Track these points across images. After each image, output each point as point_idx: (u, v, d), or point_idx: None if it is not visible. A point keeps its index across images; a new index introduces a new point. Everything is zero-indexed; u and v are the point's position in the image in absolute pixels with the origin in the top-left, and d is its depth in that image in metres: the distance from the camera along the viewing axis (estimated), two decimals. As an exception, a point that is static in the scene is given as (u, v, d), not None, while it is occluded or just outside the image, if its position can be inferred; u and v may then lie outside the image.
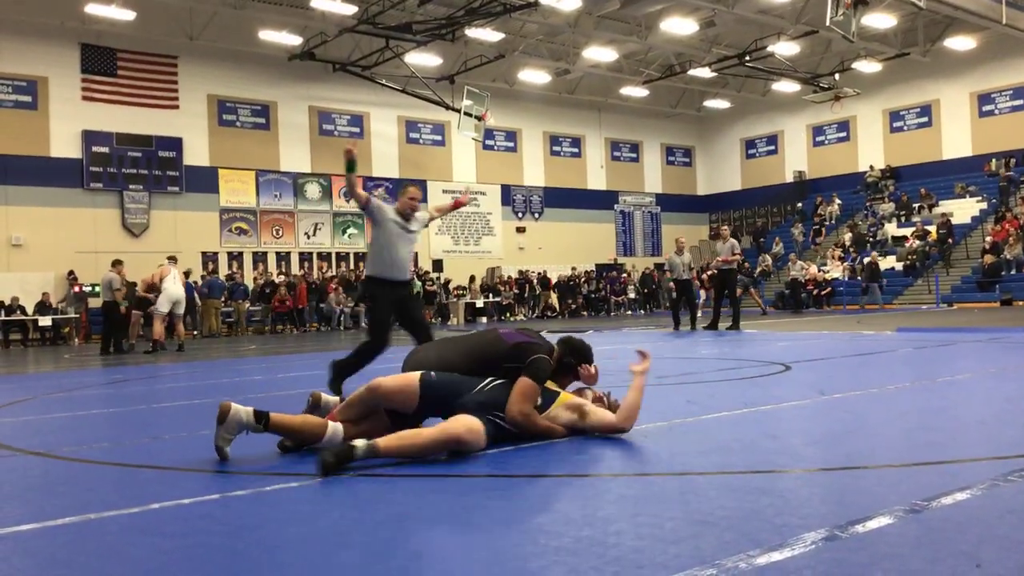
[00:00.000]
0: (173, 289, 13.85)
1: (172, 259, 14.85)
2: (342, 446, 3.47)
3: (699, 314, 16.00)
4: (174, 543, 2.50)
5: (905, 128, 31.08)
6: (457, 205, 7.15)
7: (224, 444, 3.70)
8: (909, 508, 2.50)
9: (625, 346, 11.19)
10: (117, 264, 15.09)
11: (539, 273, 29.08)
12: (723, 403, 5.08)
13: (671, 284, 16.80)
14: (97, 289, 21.43)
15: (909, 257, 26.34)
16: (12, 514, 2.91)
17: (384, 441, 3.49)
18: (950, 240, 26.17)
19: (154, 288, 13.99)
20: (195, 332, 21.13)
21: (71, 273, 21.61)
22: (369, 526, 2.64)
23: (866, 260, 25.21)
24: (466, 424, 3.59)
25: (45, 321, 20.36)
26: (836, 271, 27.33)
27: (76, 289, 21.28)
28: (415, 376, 3.88)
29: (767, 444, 3.75)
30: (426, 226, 6.61)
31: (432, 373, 3.91)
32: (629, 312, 28.91)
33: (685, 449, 3.70)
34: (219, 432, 3.69)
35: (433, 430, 3.59)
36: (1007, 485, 2.79)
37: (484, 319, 26.45)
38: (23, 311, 20.43)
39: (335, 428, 3.81)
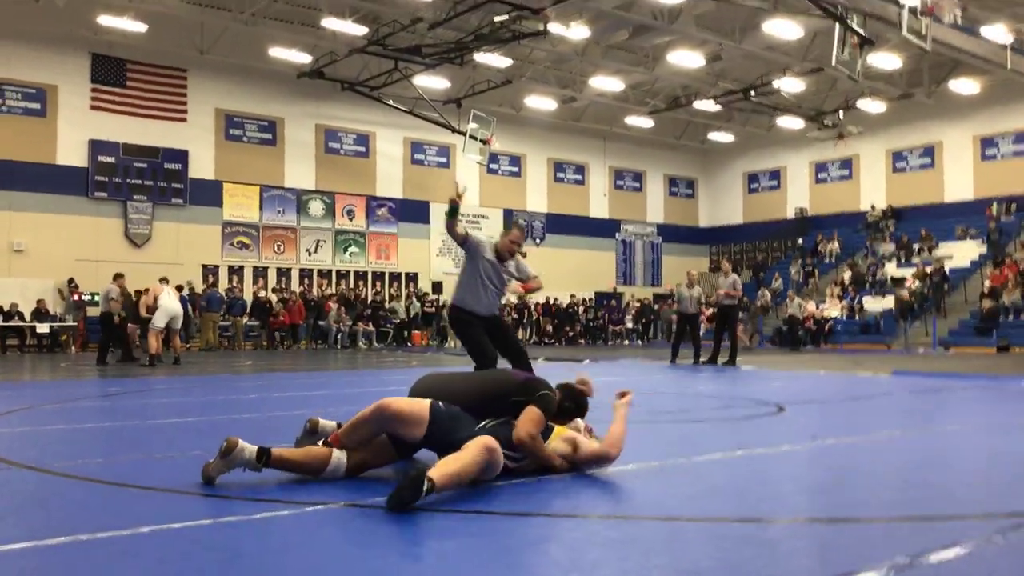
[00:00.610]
0: (169, 304, 13.90)
1: (164, 280, 14.96)
2: (415, 481, 3.25)
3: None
4: (165, 569, 2.52)
5: (908, 169, 31.26)
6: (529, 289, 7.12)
7: (216, 475, 3.71)
8: (893, 565, 2.53)
9: (621, 379, 11.21)
10: (119, 277, 15.22)
11: (550, 300, 29.02)
12: (715, 444, 5.11)
13: (673, 316, 16.91)
14: (96, 298, 21.50)
15: (909, 298, 26.37)
16: (6, 532, 2.93)
17: (436, 473, 3.35)
18: (945, 286, 26.18)
19: (151, 308, 14.09)
20: (187, 346, 21.14)
21: (71, 281, 21.64)
22: (356, 559, 2.66)
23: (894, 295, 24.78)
24: (487, 440, 3.58)
25: (43, 328, 20.37)
26: (834, 310, 27.39)
27: (76, 297, 21.31)
28: (426, 403, 3.85)
29: (757, 490, 3.77)
30: (518, 278, 6.63)
31: (440, 404, 3.90)
32: (626, 342, 28.93)
33: (675, 492, 3.73)
34: (218, 463, 3.69)
35: (468, 449, 3.51)
36: (992, 545, 2.81)
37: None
38: (21, 317, 20.45)
39: (338, 458, 3.82)
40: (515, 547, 2.84)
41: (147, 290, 14.81)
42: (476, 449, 3.54)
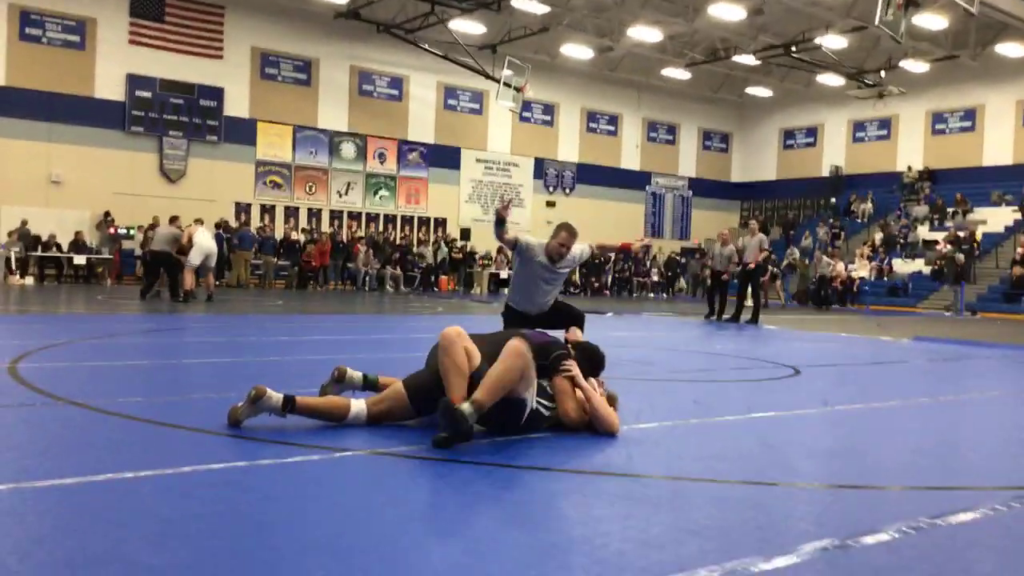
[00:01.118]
0: (205, 242, 14.28)
1: (199, 221, 15.27)
2: (455, 415, 3.59)
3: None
4: (205, 507, 2.75)
5: (947, 131, 30.73)
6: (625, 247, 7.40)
7: (243, 419, 3.94)
8: (894, 530, 2.69)
9: (644, 334, 11.38)
10: (175, 219, 15.31)
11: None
12: (728, 406, 5.26)
13: (708, 272, 17.07)
14: (132, 232, 21.94)
15: (938, 262, 26.15)
16: (57, 466, 3.17)
17: (476, 395, 3.71)
18: (976, 252, 25.87)
19: (185, 248, 14.38)
20: (218, 283, 21.51)
21: (107, 214, 22.05)
22: (380, 505, 2.87)
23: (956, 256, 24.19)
24: (516, 345, 3.84)
25: (80, 260, 20.85)
26: (863, 270, 27.25)
27: (111, 230, 21.73)
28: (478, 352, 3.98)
29: (763, 454, 3.94)
30: (582, 264, 6.82)
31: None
32: (651, 295, 29.00)
33: (683, 453, 3.91)
34: (245, 408, 3.91)
35: (501, 360, 3.80)
36: (1009, 511, 2.96)
37: (506, 290, 26.63)
38: (59, 248, 20.92)
39: (359, 408, 4.06)
40: (527, 500, 3.04)
41: (185, 229, 15.10)
42: (508, 355, 3.80)
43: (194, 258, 14.14)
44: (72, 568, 2.17)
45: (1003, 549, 2.64)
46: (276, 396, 3.92)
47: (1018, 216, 27.21)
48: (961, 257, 23.28)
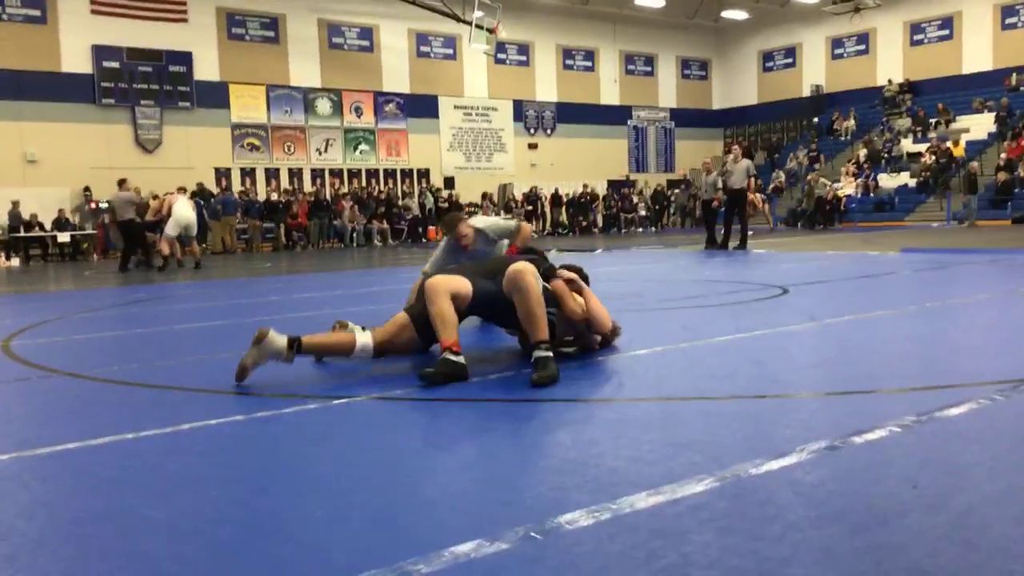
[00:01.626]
0: (183, 212, 14.10)
1: (181, 189, 15.15)
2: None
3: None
4: (206, 461, 2.80)
5: (926, 41, 30.50)
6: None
7: (251, 364, 3.89)
8: (882, 429, 2.76)
9: (635, 267, 11.43)
10: (124, 182, 15.21)
11: (549, 193, 29.06)
12: (716, 329, 5.33)
13: (700, 202, 17.23)
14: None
15: (923, 174, 26.18)
16: (58, 433, 3.21)
17: (540, 335, 3.92)
18: (953, 166, 25.82)
19: (160, 215, 14.29)
20: (204, 247, 21.48)
21: (87, 189, 21.85)
22: (378, 446, 2.93)
23: (965, 170, 23.33)
24: (522, 267, 4.02)
25: (64, 237, 20.73)
26: (849, 188, 27.28)
27: (92, 205, 21.57)
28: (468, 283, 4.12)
29: (750, 370, 4.01)
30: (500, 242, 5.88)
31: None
32: (640, 229, 29.03)
33: (672, 375, 3.97)
34: (252, 352, 3.88)
35: (526, 297, 3.97)
36: (993, 403, 3.03)
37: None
38: (42, 227, 20.78)
39: (364, 339, 4.14)
40: (520, 430, 3.10)
41: (164, 196, 15.00)
42: (528, 286, 3.95)
43: (171, 229, 14.01)
44: (78, 524, 2.23)
45: (985, 439, 2.71)
46: (280, 338, 3.91)
47: (1003, 116, 27.14)
48: (975, 165, 22.77)
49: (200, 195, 21.83)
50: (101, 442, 3.05)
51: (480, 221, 5.78)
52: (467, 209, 26.96)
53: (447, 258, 5.67)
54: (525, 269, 4.02)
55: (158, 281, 12.20)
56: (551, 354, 3.86)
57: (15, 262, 19.50)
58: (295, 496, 2.40)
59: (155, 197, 15.39)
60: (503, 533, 2.03)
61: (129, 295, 10.17)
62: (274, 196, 24.01)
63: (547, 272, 4.41)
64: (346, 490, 2.44)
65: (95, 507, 2.36)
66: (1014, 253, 10.86)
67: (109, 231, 16.71)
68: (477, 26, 24.90)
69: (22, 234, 20.43)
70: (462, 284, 4.07)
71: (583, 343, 4.53)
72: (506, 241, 5.81)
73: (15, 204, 20.45)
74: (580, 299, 4.38)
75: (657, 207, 30.31)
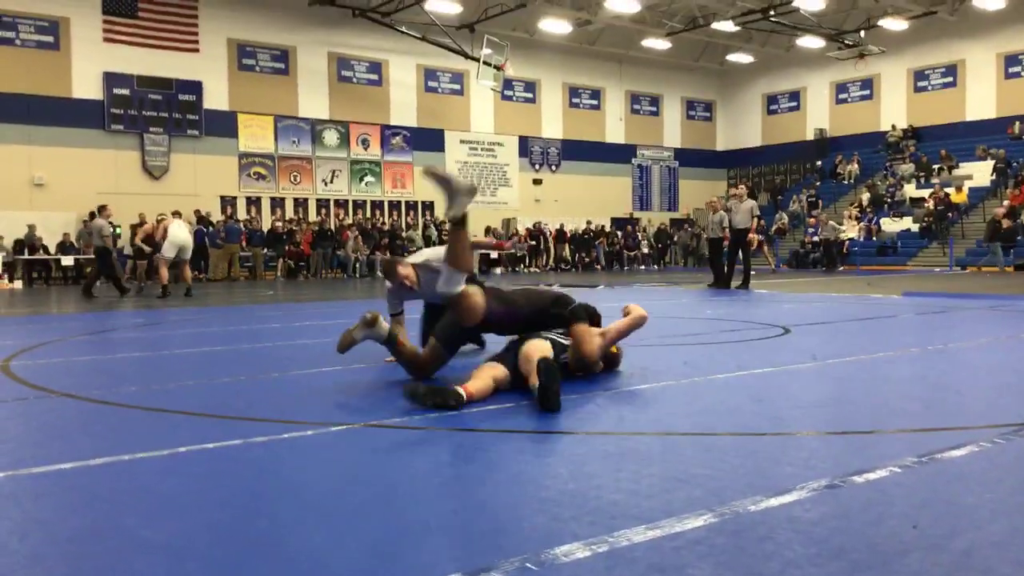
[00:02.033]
0: (179, 235, 14.05)
1: (176, 213, 15.12)
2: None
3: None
4: (201, 484, 2.78)
5: (929, 88, 30.77)
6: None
7: (358, 338, 4.51)
8: (883, 470, 2.74)
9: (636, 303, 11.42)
10: (103, 209, 15.22)
11: (554, 229, 29.18)
12: (717, 366, 5.32)
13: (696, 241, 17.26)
14: (119, 231, 21.84)
15: (925, 219, 26.27)
16: (55, 453, 3.20)
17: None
18: (949, 215, 25.89)
19: (152, 238, 14.26)
20: (200, 274, 21.54)
21: (92, 214, 21.92)
22: (376, 473, 2.91)
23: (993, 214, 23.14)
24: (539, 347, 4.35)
25: (68, 261, 20.78)
26: (851, 231, 27.36)
27: (98, 230, 21.61)
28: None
29: (751, 408, 3.99)
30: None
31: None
32: (643, 267, 29.08)
33: (673, 410, 3.96)
34: (360, 328, 4.46)
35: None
36: (995, 446, 3.02)
37: (499, 270, 26.71)
38: (46, 250, 20.84)
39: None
40: (519, 461, 3.08)
41: (159, 221, 14.96)
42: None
43: (167, 251, 13.96)
44: (73, 543, 2.21)
45: (987, 481, 2.69)
46: (385, 325, 4.52)
47: (1002, 167, 27.29)
48: (1000, 211, 22.69)
49: (199, 222, 21.88)
50: (97, 463, 3.04)
51: (418, 256, 5.70)
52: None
53: (397, 302, 5.62)
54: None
55: (159, 306, 12.20)
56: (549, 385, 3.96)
57: (18, 284, 19.53)
58: (292, 521, 2.38)
59: (148, 222, 15.41)
60: (498, 563, 2.01)
61: (131, 319, 10.18)
62: (278, 224, 24.09)
63: (573, 313, 4.65)
64: (343, 516, 2.42)
65: (90, 526, 2.34)
66: (1016, 299, 10.86)
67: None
68: (485, 63, 25.19)
69: (26, 256, 20.49)
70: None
71: (591, 370, 4.80)
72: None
73: (31, 228, 20.60)
74: (598, 340, 4.66)
75: (660, 245, 30.39)
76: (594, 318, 4.81)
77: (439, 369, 4.74)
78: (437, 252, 5.66)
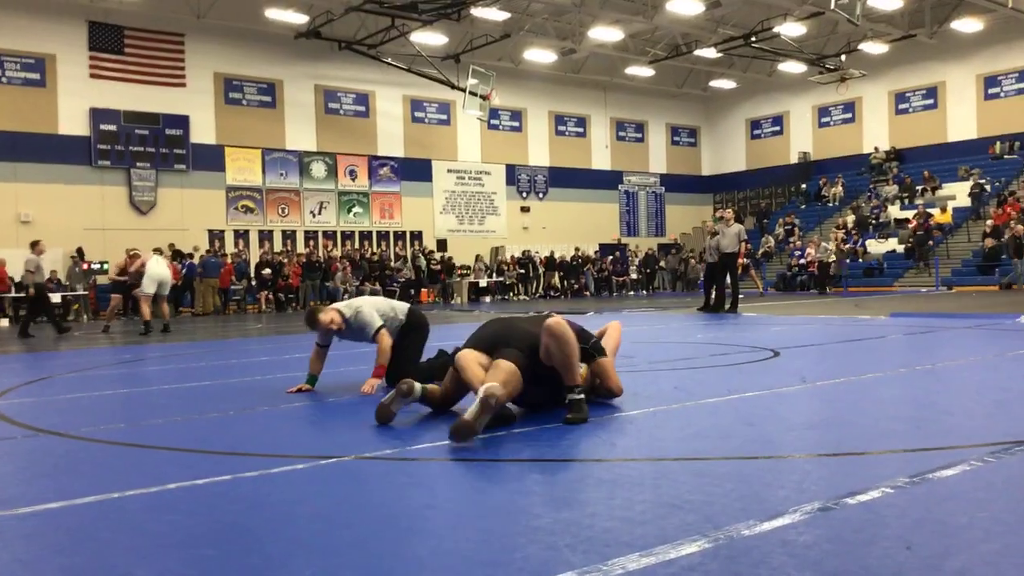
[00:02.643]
0: (157, 270, 13.89)
1: (157, 251, 14.94)
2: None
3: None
4: (191, 520, 2.76)
5: (911, 110, 31.13)
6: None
7: (395, 409, 4.35)
8: (875, 491, 2.74)
9: (625, 329, 11.43)
10: (36, 244, 14.93)
11: (543, 256, 29.26)
12: (708, 390, 5.32)
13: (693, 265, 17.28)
14: (106, 267, 21.77)
15: (910, 240, 26.45)
16: (41, 492, 3.17)
17: (575, 379, 4.31)
18: (930, 242, 26.06)
19: (125, 272, 14.09)
20: (186, 310, 21.47)
21: (79, 250, 21.89)
22: (367, 506, 2.89)
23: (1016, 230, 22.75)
24: (559, 322, 4.39)
25: (55, 298, 20.62)
26: (826, 255, 27.50)
27: (84, 266, 21.57)
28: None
29: (742, 431, 3.99)
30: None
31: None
32: (631, 293, 29.13)
33: (665, 435, 3.95)
34: (396, 400, 4.35)
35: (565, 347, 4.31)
36: (985, 465, 3.02)
37: (487, 298, 26.71)
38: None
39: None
40: (511, 490, 3.07)
41: (130, 255, 14.79)
42: (567, 337, 4.33)
43: (147, 287, 13.79)
44: (60, 584, 2.18)
45: (979, 500, 2.70)
46: (418, 387, 4.46)
47: (987, 189, 27.55)
48: (1021, 228, 22.75)
49: (175, 257, 21.67)
50: (86, 501, 3.00)
51: (347, 309, 5.78)
52: (459, 271, 27.07)
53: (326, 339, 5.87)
54: (562, 320, 4.42)
55: (146, 342, 12.14)
56: (583, 396, 4.28)
57: (4, 323, 19.39)
58: (284, 555, 2.36)
59: (129, 258, 15.23)
60: (493, 593, 2.00)
61: (118, 355, 10.12)
62: (266, 258, 24.01)
63: (593, 349, 4.72)
64: (335, 549, 2.40)
65: (78, 566, 2.31)
66: (1001, 318, 10.92)
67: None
68: (471, 93, 25.37)
69: (11, 294, 20.36)
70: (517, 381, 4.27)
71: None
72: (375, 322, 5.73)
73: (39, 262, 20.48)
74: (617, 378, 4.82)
75: (648, 271, 30.48)
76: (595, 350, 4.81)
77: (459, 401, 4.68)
78: (360, 316, 5.66)
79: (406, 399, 4.40)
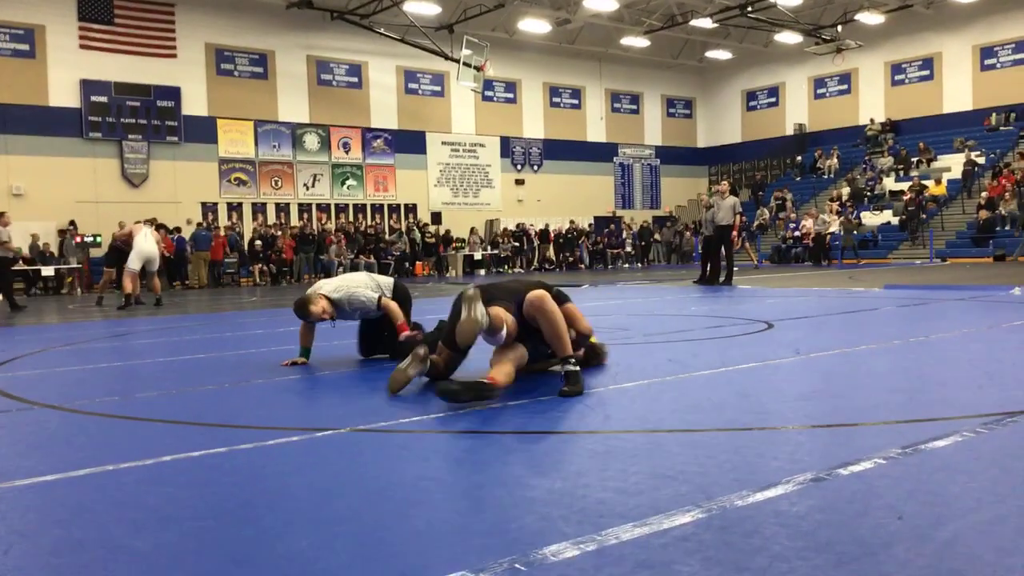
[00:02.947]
0: (144, 246, 13.72)
1: (148, 221, 14.66)
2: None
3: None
4: (187, 492, 2.77)
5: (906, 81, 31.02)
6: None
7: (411, 377, 4.35)
8: (868, 461, 2.76)
9: (620, 302, 11.46)
10: (3, 215, 14.68)
11: (537, 229, 29.23)
12: (702, 362, 5.34)
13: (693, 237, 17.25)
14: (99, 240, 21.68)
15: (905, 212, 26.47)
16: (37, 465, 3.17)
17: (566, 350, 4.36)
18: (923, 215, 26.07)
19: (129, 242, 13.89)
20: (176, 284, 21.44)
21: (72, 223, 21.79)
22: (362, 478, 2.90)
23: None
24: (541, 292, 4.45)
25: (48, 271, 20.61)
26: (832, 225, 27.51)
27: (77, 239, 21.48)
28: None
29: (736, 403, 4.01)
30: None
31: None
32: (626, 265, 29.14)
33: (659, 407, 3.97)
34: (416, 365, 4.36)
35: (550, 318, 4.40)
36: (977, 436, 3.04)
37: (482, 271, 26.70)
38: (26, 260, 20.65)
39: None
40: (505, 462, 3.08)
41: (129, 226, 14.53)
42: (550, 308, 4.42)
43: (133, 262, 13.59)
44: (57, 555, 2.19)
45: (970, 471, 2.72)
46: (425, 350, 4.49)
47: (981, 161, 27.54)
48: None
49: (159, 230, 21.44)
50: (81, 474, 3.01)
51: (335, 292, 5.78)
52: (453, 244, 27.03)
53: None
54: (544, 295, 4.42)
55: (139, 315, 12.12)
56: (579, 368, 4.30)
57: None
58: (279, 527, 2.37)
59: (121, 226, 15.08)
60: (488, 564, 2.01)
61: (111, 329, 10.10)
62: (259, 231, 23.94)
63: (561, 294, 4.86)
64: (330, 521, 2.41)
65: (74, 538, 2.32)
66: (994, 289, 10.96)
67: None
68: (465, 64, 25.18)
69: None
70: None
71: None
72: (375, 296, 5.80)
73: (34, 237, 20.43)
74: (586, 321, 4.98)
75: (643, 243, 30.47)
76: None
77: (455, 370, 4.74)
78: (352, 296, 5.72)
79: (422, 365, 4.40)
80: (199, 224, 23.19)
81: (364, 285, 5.86)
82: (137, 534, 2.34)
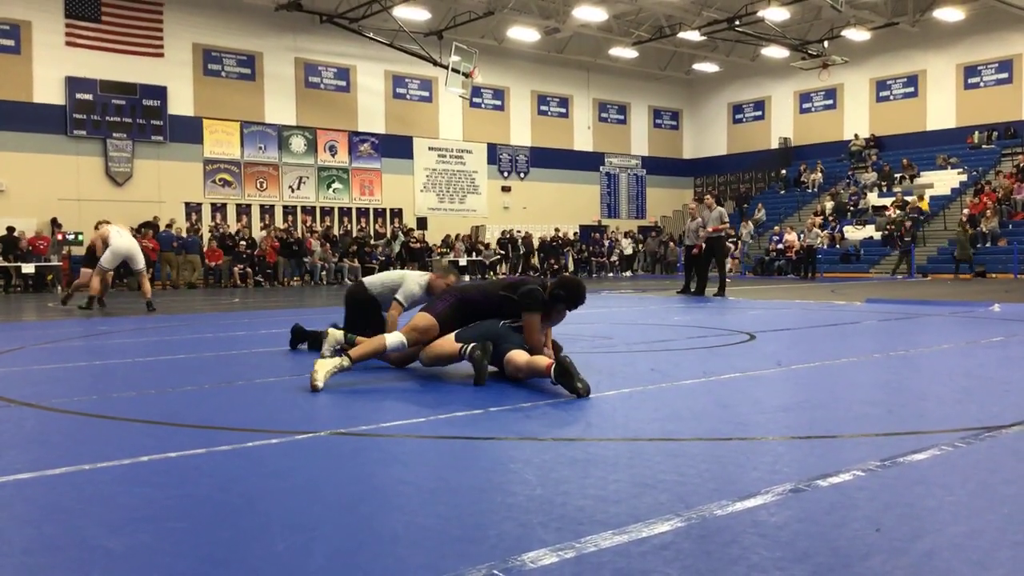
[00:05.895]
0: (119, 242, 12.39)
1: (106, 222, 13.75)
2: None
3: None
4: (163, 493, 2.74)
5: (891, 98, 31.29)
6: None
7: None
8: (847, 473, 2.77)
9: (605, 311, 11.48)
10: None
11: (524, 235, 29.25)
12: (684, 372, 5.35)
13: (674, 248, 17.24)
14: (81, 238, 21.51)
15: (888, 227, 26.67)
16: (12, 463, 3.13)
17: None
18: (905, 227, 26.19)
19: (94, 248, 12.95)
20: (166, 283, 21.30)
21: (54, 220, 21.61)
22: (341, 482, 2.88)
23: None
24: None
25: (28, 268, 20.42)
26: (817, 240, 27.69)
27: (59, 237, 21.31)
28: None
29: (717, 413, 4.02)
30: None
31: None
32: (611, 274, 29.20)
33: (640, 416, 3.97)
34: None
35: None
36: (955, 450, 3.06)
37: (467, 278, 26.66)
38: (5, 257, 20.46)
39: (395, 335, 4.89)
40: (485, 468, 3.07)
41: (97, 226, 13.71)
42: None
43: (106, 261, 12.34)
44: (29, 555, 2.16)
45: (948, 485, 2.73)
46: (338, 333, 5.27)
47: (964, 178, 27.80)
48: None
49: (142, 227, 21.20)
50: (57, 472, 2.98)
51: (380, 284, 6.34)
52: (438, 250, 26.99)
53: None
54: (514, 357, 4.73)
55: (122, 313, 12.01)
56: (564, 379, 4.39)
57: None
58: (256, 530, 2.35)
59: (96, 227, 14.40)
60: (466, 571, 2.00)
61: (93, 327, 10.01)
62: (239, 235, 23.70)
63: (521, 298, 4.93)
64: (308, 525, 2.39)
65: (48, 537, 2.29)
66: (975, 305, 11.05)
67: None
68: (454, 70, 25.19)
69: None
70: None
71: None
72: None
73: (10, 231, 20.18)
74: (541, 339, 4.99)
75: (628, 253, 30.54)
76: (568, 297, 5.02)
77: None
78: (385, 282, 6.32)
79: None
80: (187, 230, 22.98)
81: (412, 290, 6.25)
82: (112, 534, 2.31)
